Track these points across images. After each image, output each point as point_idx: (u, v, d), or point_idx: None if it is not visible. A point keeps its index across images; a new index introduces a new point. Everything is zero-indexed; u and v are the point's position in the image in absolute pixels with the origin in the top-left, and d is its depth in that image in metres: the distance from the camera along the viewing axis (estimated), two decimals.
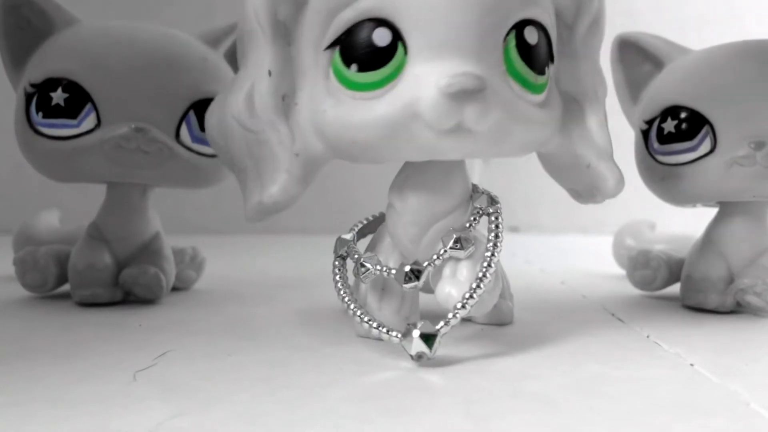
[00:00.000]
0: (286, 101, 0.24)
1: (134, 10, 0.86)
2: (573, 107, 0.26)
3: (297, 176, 0.24)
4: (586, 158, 0.26)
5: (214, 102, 0.27)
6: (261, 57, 0.24)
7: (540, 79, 0.24)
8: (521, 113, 0.23)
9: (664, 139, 0.33)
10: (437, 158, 0.24)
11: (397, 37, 0.22)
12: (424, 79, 0.22)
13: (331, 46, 0.23)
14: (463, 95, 0.22)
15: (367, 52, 0.23)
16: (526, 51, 0.23)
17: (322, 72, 0.24)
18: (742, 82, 0.32)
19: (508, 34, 0.23)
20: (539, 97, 0.24)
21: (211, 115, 0.27)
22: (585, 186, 0.27)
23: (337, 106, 0.23)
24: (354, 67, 0.23)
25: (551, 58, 0.25)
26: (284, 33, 0.24)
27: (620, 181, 0.27)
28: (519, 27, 0.23)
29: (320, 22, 0.23)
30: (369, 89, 0.23)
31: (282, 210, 0.25)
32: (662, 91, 0.35)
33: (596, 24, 0.27)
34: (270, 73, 0.24)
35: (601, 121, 0.27)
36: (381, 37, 0.22)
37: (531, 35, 0.24)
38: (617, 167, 0.27)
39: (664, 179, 0.34)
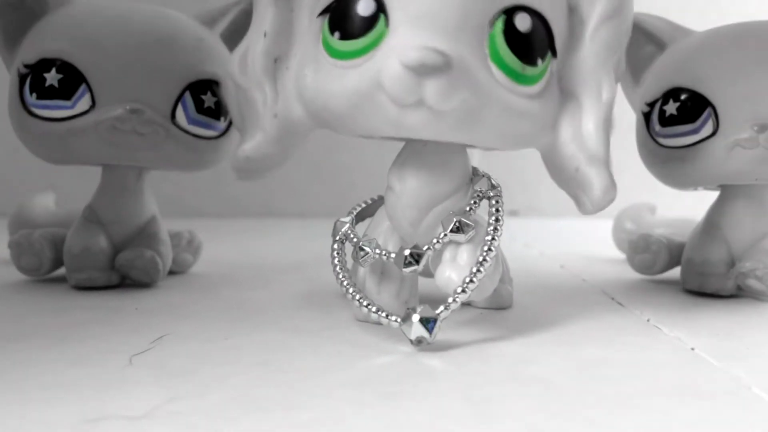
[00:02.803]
0: (278, 64, 0.25)
1: None
2: (572, 105, 0.25)
3: (272, 136, 0.25)
4: (576, 161, 0.25)
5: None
6: (262, 18, 0.25)
7: (530, 70, 0.23)
8: (498, 101, 0.23)
9: (666, 121, 0.33)
10: (408, 136, 0.24)
11: (381, 8, 0.22)
12: (392, 50, 0.22)
13: (323, 12, 0.24)
14: (423, 70, 0.21)
15: (350, 21, 0.23)
16: (514, 38, 0.23)
17: (314, 38, 0.24)
18: (745, 64, 0.31)
19: (496, 18, 0.22)
20: (529, 89, 0.23)
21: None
22: (573, 191, 0.26)
23: (317, 71, 0.24)
24: (337, 34, 0.23)
25: (552, 51, 0.24)
26: None
27: (608, 191, 0.25)
28: (510, 12, 0.23)
29: None
30: (348, 58, 0.23)
31: (259, 170, 0.26)
32: (664, 72, 0.34)
33: (611, 19, 0.25)
34: (265, 35, 0.25)
35: (599, 124, 0.25)
36: (365, 6, 0.22)
37: (522, 22, 0.23)
38: (609, 175, 0.25)
39: (665, 162, 0.34)
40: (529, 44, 0.23)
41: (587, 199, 0.25)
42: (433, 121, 0.22)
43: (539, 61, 0.23)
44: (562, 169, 0.25)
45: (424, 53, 0.21)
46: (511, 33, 0.23)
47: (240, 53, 0.26)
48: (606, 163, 0.25)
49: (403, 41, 0.22)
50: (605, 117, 0.25)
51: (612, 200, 0.25)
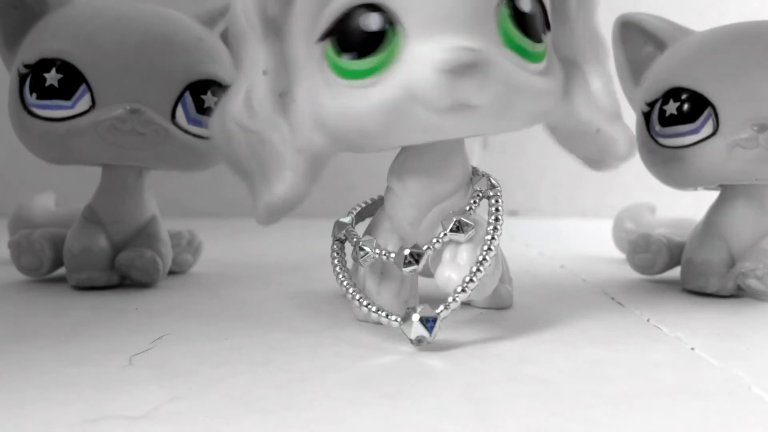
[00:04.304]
0: (283, 98, 0.24)
1: None
2: (575, 72, 0.26)
3: (302, 172, 0.24)
4: (594, 123, 0.26)
5: (216, 108, 0.26)
6: (255, 57, 0.24)
7: (538, 47, 0.23)
8: (522, 84, 0.23)
9: (666, 121, 0.33)
10: (442, 138, 0.24)
11: (389, 20, 0.22)
12: (418, 58, 0.22)
13: (324, 37, 0.23)
14: (459, 70, 0.21)
15: (360, 39, 0.22)
16: (521, 20, 0.23)
17: (317, 65, 0.23)
18: (745, 64, 0.31)
19: (500, 3, 0.23)
20: (539, 66, 0.24)
21: (214, 120, 0.26)
22: (596, 152, 0.27)
23: (335, 97, 0.23)
24: (347, 55, 0.22)
25: (548, 25, 0.24)
26: (275, 29, 0.24)
27: (633, 143, 0.26)
28: None
29: (311, 14, 0.23)
30: (365, 76, 0.22)
31: (292, 208, 0.25)
32: (664, 72, 0.34)
33: None
34: (265, 72, 0.24)
35: (606, 82, 0.26)
36: (372, 22, 0.22)
37: (524, 3, 0.23)
38: (628, 128, 0.26)
39: (665, 162, 0.34)
40: (534, 22, 0.23)
41: (610, 155, 0.26)
42: (470, 119, 0.22)
43: (543, 37, 0.24)
44: (580, 135, 0.26)
45: (457, 54, 0.21)
46: (517, 15, 0.23)
47: (241, 98, 0.24)
48: (621, 117, 0.26)
49: (429, 47, 0.21)
50: (608, 74, 0.26)
51: (636, 152, 0.27)
